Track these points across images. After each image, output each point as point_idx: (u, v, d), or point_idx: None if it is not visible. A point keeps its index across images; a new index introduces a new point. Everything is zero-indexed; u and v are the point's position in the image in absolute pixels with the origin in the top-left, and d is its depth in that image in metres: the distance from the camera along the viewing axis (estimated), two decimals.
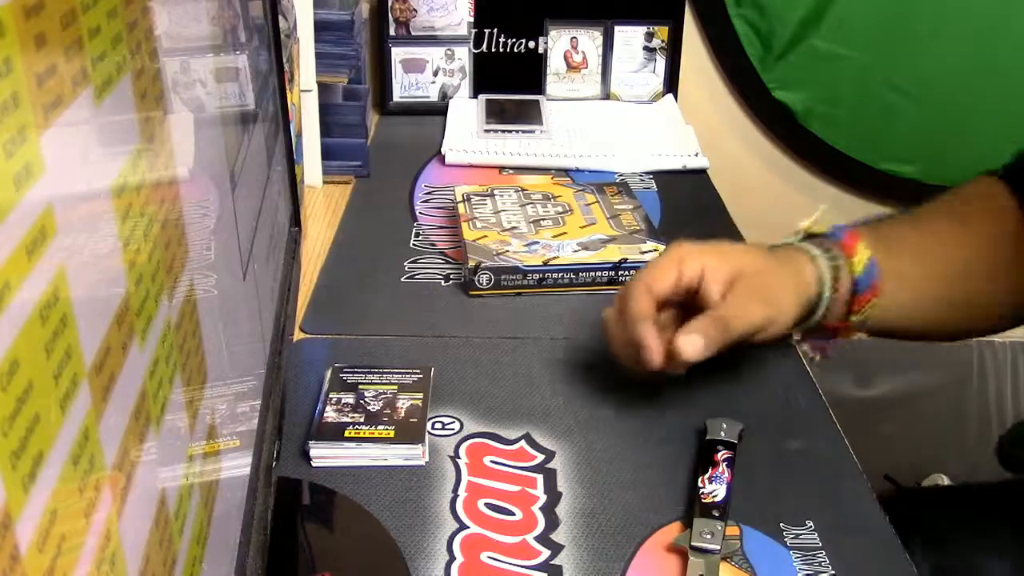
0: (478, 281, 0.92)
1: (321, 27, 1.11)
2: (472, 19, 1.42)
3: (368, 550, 0.65)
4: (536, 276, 0.93)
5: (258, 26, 0.68)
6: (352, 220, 1.10)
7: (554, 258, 0.94)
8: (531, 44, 1.44)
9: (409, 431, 0.72)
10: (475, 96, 1.45)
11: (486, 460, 0.72)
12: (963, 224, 0.81)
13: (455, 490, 0.69)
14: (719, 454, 0.70)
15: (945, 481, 1.41)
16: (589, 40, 1.45)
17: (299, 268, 0.82)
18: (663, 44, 1.46)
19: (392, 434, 0.71)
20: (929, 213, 0.82)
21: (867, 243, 0.76)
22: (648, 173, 1.23)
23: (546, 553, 0.64)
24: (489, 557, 0.63)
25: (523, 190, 1.09)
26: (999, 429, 1.63)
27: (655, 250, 0.95)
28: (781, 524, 0.67)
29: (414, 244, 1.04)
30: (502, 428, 0.75)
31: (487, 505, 0.68)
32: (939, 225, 0.81)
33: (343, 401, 0.75)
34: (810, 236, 0.79)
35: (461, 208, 1.04)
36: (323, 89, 1.14)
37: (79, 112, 0.28)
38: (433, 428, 0.75)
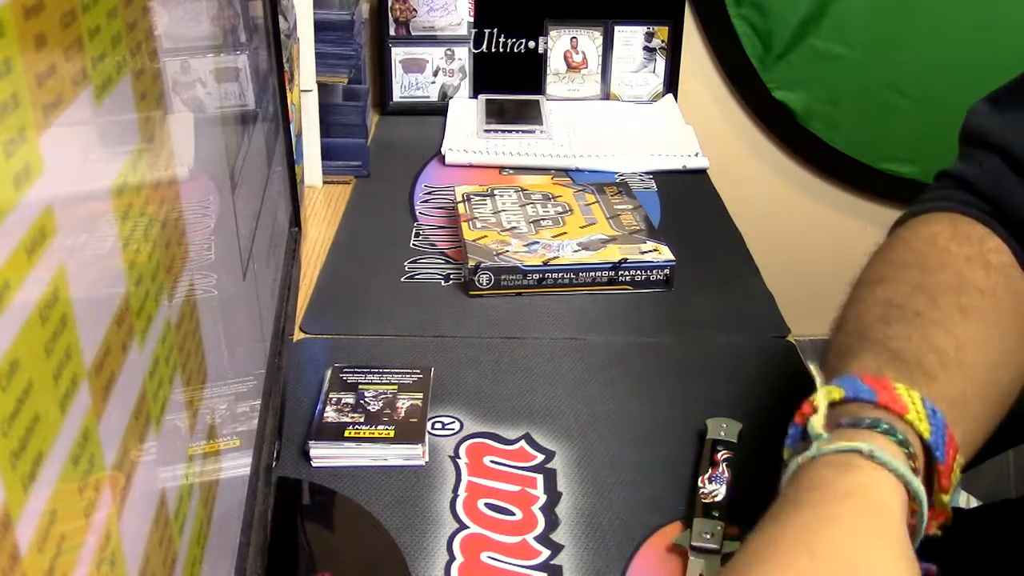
0: (478, 281, 0.92)
1: (321, 27, 1.11)
2: (472, 19, 1.42)
3: (368, 550, 0.65)
4: (536, 276, 0.93)
5: (258, 26, 0.68)
6: (352, 220, 1.10)
7: (554, 258, 0.94)
8: (531, 44, 1.44)
9: (409, 431, 0.72)
10: (475, 96, 1.45)
11: (486, 460, 0.72)
12: (964, 294, 0.60)
13: (455, 490, 0.69)
14: (719, 454, 0.70)
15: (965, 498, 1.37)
16: (589, 40, 1.45)
17: (299, 268, 0.82)
18: (663, 44, 1.46)
19: (392, 434, 0.71)
20: (911, 292, 0.61)
21: (902, 381, 0.53)
22: (648, 173, 1.23)
23: (546, 553, 0.64)
24: (489, 557, 0.63)
25: (523, 190, 1.09)
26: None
27: (655, 250, 0.95)
28: None
29: (414, 244, 1.04)
30: (502, 428, 0.75)
31: (487, 505, 0.68)
32: (942, 303, 0.59)
33: (343, 401, 0.75)
34: (831, 408, 0.54)
35: (461, 208, 1.04)
36: (323, 89, 1.14)
37: (79, 112, 0.28)
38: (433, 428, 0.75)
